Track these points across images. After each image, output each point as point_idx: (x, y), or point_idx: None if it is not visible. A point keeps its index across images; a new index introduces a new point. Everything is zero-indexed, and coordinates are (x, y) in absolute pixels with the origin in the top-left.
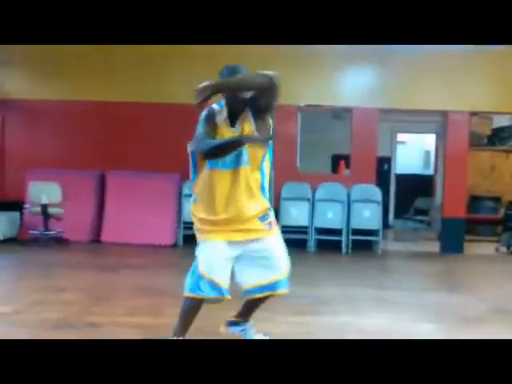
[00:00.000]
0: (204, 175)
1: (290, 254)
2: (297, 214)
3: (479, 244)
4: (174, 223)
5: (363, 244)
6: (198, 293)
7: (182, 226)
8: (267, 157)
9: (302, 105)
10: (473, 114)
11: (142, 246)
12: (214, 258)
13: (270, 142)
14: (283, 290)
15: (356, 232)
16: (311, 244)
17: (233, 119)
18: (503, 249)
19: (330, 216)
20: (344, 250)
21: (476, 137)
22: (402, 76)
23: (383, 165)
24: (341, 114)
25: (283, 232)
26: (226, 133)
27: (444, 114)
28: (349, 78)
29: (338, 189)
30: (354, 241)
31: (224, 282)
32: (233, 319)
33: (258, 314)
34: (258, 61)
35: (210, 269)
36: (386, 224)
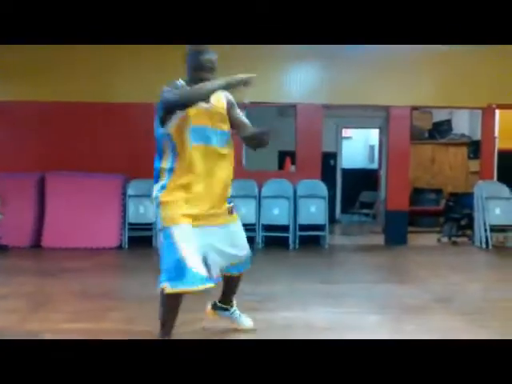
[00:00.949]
0: (182, 154)
1: None
2: (244, 212)
3: (422, 235)
4: (118, 225)
5: (310, 239)
6: (182, 287)
7: (127, 227)
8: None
9: (247, 102)
10: (414, 108)
11: (85, 249)
12: (192, 244)
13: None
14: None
15: (303, 228)
16: (259, 241)
17: None
18: (445, 239)
19: (277, 212)
20: (291, 245)
21: (417, 131)
22: (346, 72)
23: (329, 160)
24: (286, 110)
25: None
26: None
27: (386, 108)
28: (293, 75)
29: (284, 185)
30: (301, 236)
31: (205, 269)
32: (221, 305)
33: (203, 311)
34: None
35: (191, 256)
36: (333, 218)
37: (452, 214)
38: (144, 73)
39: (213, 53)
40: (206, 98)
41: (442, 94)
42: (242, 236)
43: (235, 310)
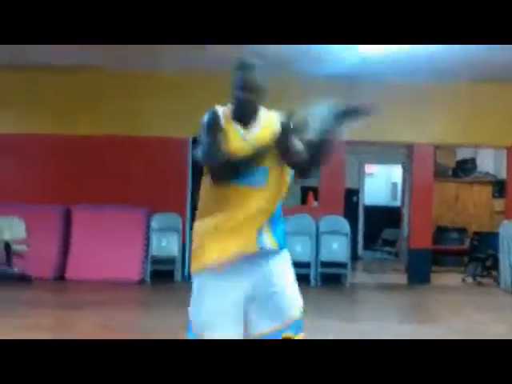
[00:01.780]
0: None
1: None
2: None
3: (446, 274)
4: (141, 258)
5: (332, 276)
6: None
7: (150, 260)
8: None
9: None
10: (437, 146)
11: (108, 282)
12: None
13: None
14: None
15: (324, 264)
16: None
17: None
18: (469, 279)
19: (299, 249)
20: (313, 282)
21: (441, 168)
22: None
23: (352, 196)
24: None
25: None
26: (235, 139)
27: (409, 146)
28: (315, 111)
29: (306, 221)
30: (322, 273)
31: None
32: None
33: None
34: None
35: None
36: (355, 255)
37: (477, 254)
38: (171, 107)
39: (255, 70)
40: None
41: (466, 132)
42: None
43: None
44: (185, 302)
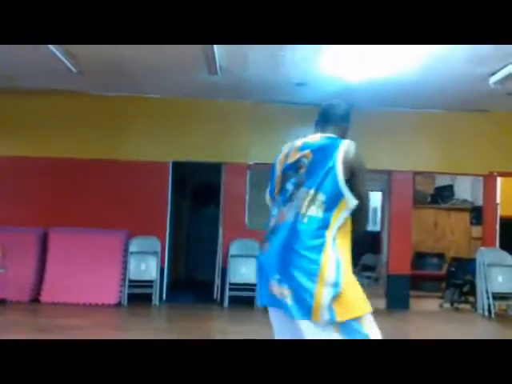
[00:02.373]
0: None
1: (237, 311)
2: (246, 271)
3: (424, 300)
4: (118, 281)
5: None
6: None
7: (128, 284)
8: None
9: (251, 163)
10: (416, 173)
11: (84, 305)
12: None
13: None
14: None
15: None
16: None
17: None
18: (447, 305)
19: None
20: None
21: (420, 195)
22: (350, 135)
23: None
24: None
25: (231, 289)
26: None
27: (389, 173)
28: (297, 137)
29: None
30: None
31: None
32: None
33: None
34: (211, 116)
35: None
36: None
37: (454, 280)
38: (152, 131)
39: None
40: None
41: (444, 160)
42: None
43: None
44: (161, 326)
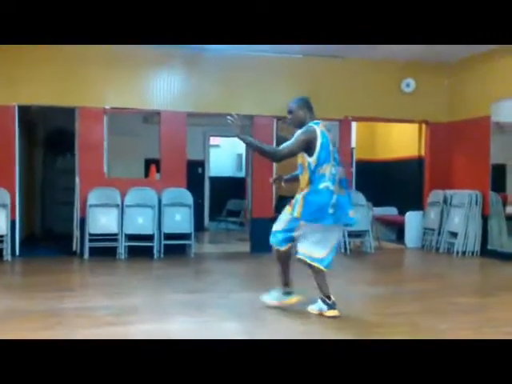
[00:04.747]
0: None
1: (97, 263)
2: (106, 221)
3: None
4: None
5: (176, 248)
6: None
7: None
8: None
9: (108, 107)
10: (278, 118)
11: None
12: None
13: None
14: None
15: (168, 237)
16: (121, 251)
17: None
18: None
19: (141, 221)
20: (156, 255)
21: (282, 140)
22: (211, 80)
23: (197, 168)
24: (152, 117)
25: (91, 241)
26: None
27: (250, 117)
28: (157, 81)
29: (148, 193)
30: (166, 245)
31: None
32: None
33: (54, 330)
34: (67, 61)
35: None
36: (201, 227)
37: None
38: None
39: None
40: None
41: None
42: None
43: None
44: (14, 283)
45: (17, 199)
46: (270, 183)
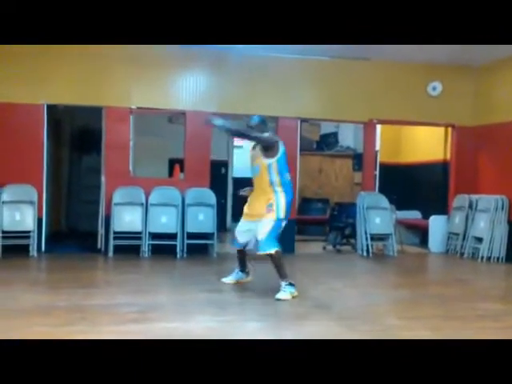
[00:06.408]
0: None
1: (121, 261)
2: (130, 220)
3: (309, 243)
4: None
5: (199, 248)
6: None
7: (1, 235)
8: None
9: (134, 107)
10: (303, 120)
11: None
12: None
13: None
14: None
15: (191, 236)
16: (145, 249)
17: None
18: (330, 247)
19: (164, 220)
20: (179, 254)
21: (307, 142)
22: (236, 81)
23: (220, 168)
24: (177, 118)
25: (116, 238)
26: None
27: (275, 119)
28: (183, 82)
29: (172, 193)
30: (189, 245)
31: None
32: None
33: (77, 325)
34: (94, 61)
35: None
36: (224, 227)
37: (336, 223)
38: (19, 72)
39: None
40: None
41: (328, 106)
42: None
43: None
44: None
45: (44, 197)
46: (241, 195)
